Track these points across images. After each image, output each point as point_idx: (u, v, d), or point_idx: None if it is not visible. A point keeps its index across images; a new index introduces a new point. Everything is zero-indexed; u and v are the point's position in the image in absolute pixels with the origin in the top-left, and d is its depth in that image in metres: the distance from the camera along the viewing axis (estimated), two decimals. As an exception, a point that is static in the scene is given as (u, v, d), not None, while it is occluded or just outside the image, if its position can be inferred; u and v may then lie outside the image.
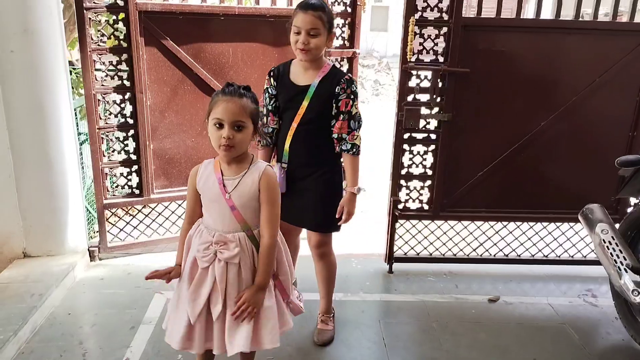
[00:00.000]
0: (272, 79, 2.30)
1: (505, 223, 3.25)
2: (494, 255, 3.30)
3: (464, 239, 3.29)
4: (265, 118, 2.31)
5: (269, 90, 2.31)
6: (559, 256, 3.31)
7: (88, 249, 3.21)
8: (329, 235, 2.41)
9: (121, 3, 2.89)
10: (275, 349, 2.41)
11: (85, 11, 2.82)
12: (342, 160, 2.32)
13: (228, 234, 1.78)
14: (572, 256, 3.30)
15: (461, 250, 3.29)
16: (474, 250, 3.29)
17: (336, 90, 2.20)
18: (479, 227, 3.29)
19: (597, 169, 3.07)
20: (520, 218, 3.21)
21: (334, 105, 2.21)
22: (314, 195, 2.31)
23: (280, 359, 2.36)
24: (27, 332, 2.48)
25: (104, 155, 3.09)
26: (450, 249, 3.29)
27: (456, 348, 2.51)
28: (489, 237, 3.29)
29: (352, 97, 2.21)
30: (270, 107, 2.31)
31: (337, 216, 2.30)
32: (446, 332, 2.63)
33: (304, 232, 2.53)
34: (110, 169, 3.13)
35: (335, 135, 2.24)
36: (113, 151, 3.13)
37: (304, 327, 2.57)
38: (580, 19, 2.94)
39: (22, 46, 2.71)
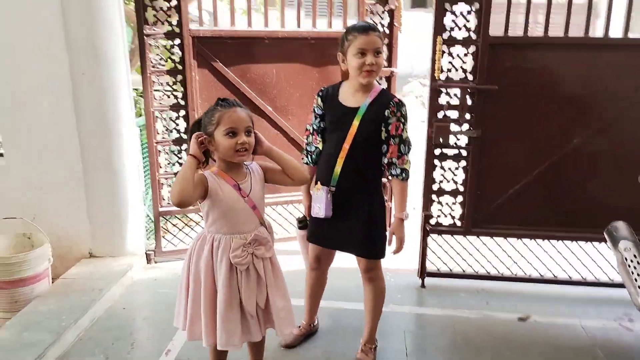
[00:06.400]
0: (320, 99, 2.33)
1: (540, 241, 3.21)
2: (529, 275, 3.27)
3: (497, 257, 3.29)
4: (309, 137, 2.40)
5: (316, 110, 2.35)
6: (598, 278, 3.21)
7: (145, 253, 3.55)
8: (378, 260, 2.40)
9: (177, 30, 3.23)
10: None
11: (145, 37, 3.18)
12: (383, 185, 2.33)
13: (255, 231, 1.98)
14: (612, 279, 3.19)
15: (494, 267, 3.29)
16: (508, 268, 3.28)
17: (386, 113, 2.20)
18: (512, 245, 3.27)
19: (634, 186, 2.97)
20: (555, 237, 3.16)
21: (384, 129, 2.21)
22: (360, 220, 2.29)
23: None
24: (87, 321, 2.81)
25: (160, 167, 3.42)
26: (483, 266, 3.30)
27: (477, 363, 2.53)
28: (522, 255, 3.27)
29: (402, 120, 2.21)
30: (315, 127, 2.36)
31: (388, 244, 2.32)
32: (470, 347, 2.66)
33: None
34: (166, 179, 3.46)
35: (385, 160, 2.24)
36: (168, 163, 3.45)
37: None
38: (610, 37, 2.90)
39: (92, 69, 3.10)
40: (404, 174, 2.24)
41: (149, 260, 3.55)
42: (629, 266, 2.24)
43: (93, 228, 3.38)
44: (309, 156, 2.40)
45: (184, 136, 3.41)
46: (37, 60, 3.06)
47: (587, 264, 3.22)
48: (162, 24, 3.21)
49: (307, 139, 2.42)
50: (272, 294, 2.02)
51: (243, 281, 1.96)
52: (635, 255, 2.25)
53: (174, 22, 3.22)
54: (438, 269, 3.31)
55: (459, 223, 3.20)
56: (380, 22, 3.43)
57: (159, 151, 3.40)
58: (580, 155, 3.04)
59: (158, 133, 3.38)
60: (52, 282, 3.12)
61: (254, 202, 1.98)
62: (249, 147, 1.91)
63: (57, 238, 3.28)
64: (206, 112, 1.95)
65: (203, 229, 2.05)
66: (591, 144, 3.02)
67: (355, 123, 2.21)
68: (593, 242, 3.16)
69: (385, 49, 3.45)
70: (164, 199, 3.49)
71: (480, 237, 3.24)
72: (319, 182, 2.33)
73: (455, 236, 3.26)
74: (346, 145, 2.23)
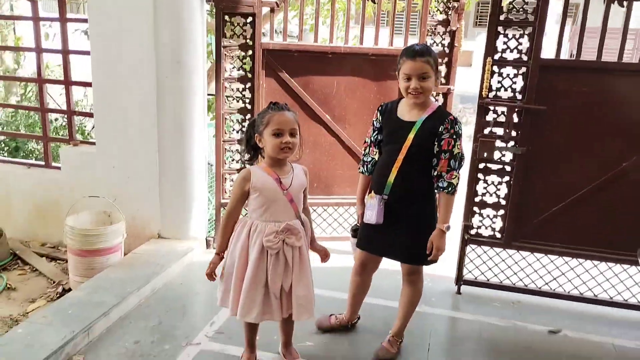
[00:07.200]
0: (379, 114, 2.53)
1: (581, 260, 3.23)
2: (569, 292, 3.28)
3: (536, 271, 3.33)
4: (367, 148, 2.60)
5: (374, 123, 2.55)
6: (641, 302, 3.18)
7: (206, 238, 3.92)
8: (421, 265, 2.54)
9: (250, 43, 3.61)
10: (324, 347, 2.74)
11: (222, 49, 3.59)
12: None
13: (288, 221, 2.23)
14: (656, 304, 3.15)
15: (533, 282, 3.33)
16: (547, 283, 3.31)
17: (440, 129, 2.33)
18: (552, 262, 3.30)
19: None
20: (597, 257, 3.17)
21: (437, 143, 2.34)
22: (409, 228, 2.44)
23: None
24: (148, 291, 3.19)
25: (225, 163, 3.79)
26: (521, 279, 3.35)
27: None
28: (563, 273, 3.28)
29: (454, 137, 2.33)
30: (372, 139, 2.56)
31: (427, 252, 2.41)
32: (491, 352, 2.75)
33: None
34: (229, 174, 3.82)
35: (435, 173, 2.36)
36: (232, 160, 3.82)
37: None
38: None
39: (174, 74, 3.53)
40: (450, 188, 2.34)
41: (208, 245, 3.91)
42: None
43: (163, 213, 3.79)
44: (365, 166, 2.60)
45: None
46: (130, 64, 3.55)
47: (630, 287, 3.19)
48: (238, 37, 3.61)
49: (364, 150, 2.64)
50: (295, 282, 2.25)
51: (271, 264, 2.20)
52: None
53: (248, 36, 3.61)
54: (475, 278, 3.40)
55: (498, 235, 3.29)
56: (442, 42, 3.64)
57: (225, 149, 3.77)
58: (628, 178, 3.06)
59: (225, 133, 3.75)
60: (124, 255, 3.55)
61: (292, 196, 2.23)
62: (292, 146, 2.17)
63: (132, 218, 3.72)
64: (259, 113, 2.25)
65: (245, 215, 2.34)
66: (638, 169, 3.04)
67: (411, 136, 2.37)
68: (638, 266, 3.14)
69: (444, 67, 3.66)
70: (225, 192, 3.86)
71: (520, 251, 3.31)
72: (372, 191, 2.51)
73: (494, 248, 3.35)
74: (400, 157, 2.39)
